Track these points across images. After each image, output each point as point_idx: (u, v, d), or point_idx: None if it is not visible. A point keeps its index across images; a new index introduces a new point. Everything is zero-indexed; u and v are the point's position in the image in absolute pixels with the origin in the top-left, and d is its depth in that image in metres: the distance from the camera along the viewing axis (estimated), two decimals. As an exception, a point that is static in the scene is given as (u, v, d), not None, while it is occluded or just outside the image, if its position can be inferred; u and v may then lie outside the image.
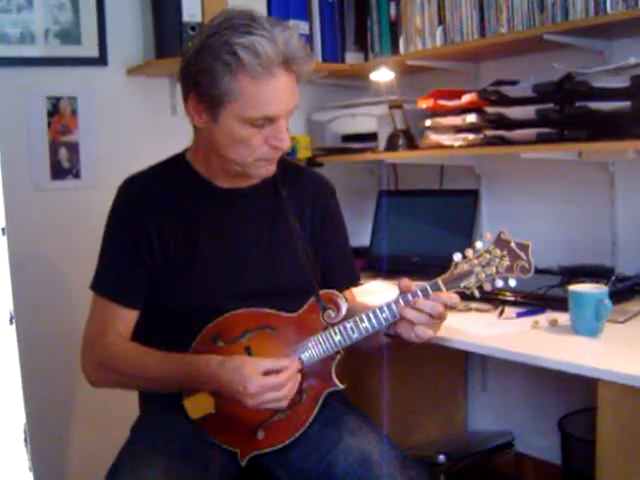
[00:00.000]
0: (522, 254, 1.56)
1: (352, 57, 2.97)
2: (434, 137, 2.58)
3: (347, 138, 3.02)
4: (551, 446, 2.55)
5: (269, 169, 1.62)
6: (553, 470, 2.58)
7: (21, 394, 0.60)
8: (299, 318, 1.60)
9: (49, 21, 2.63)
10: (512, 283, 1.56)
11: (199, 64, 1.50)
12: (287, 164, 1.74)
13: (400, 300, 1.55)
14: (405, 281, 1.57)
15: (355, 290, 1.88)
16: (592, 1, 2.08)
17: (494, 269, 1.56)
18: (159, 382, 1.57)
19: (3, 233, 0.58)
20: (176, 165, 1.72)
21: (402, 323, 1.57)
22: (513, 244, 1.57)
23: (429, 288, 1.55)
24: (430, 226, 2.70)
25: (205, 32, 1.51)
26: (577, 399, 2.40)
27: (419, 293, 1.55)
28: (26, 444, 0.60)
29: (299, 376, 1.52)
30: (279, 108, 1.52)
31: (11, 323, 0.59)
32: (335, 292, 1.61)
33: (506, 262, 1.56)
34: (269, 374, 1.45)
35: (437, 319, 1.55)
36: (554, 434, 2.47)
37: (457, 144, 2.48)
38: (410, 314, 1.53)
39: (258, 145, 1.55)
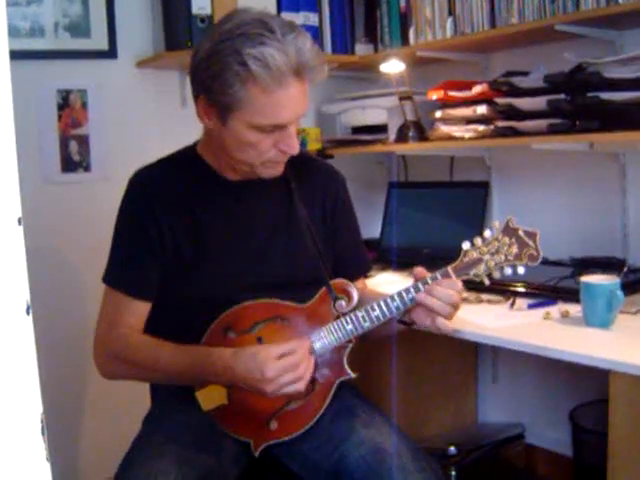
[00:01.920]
0: (530, 242, 1.57)
1: (362, 48, 2.97)
2: (444, 128, 2.58)
3: (357, 130, 3.02)
4: (562, 438, 2.55)
5: (277, 170, 1.62)
6: (564, 462, 2.58)
7: (38, 384, 0.60)
8: (310, 308, 1.60)
9: (58, 14, 2.64)
10: (521, 271, 1.57)
11: (209, 70, 1.48)
12: (298, 156, 1.73)
13: (412, 289, 1.55)
14: (420, 270, 1.57)
15: (366, 281, 1.88)
16: (603, -9, 2.07)
17: (503, 257, 1.56)
18: (172, 375, 1.57)
19: (19, 223, 0.58)
20: (187, 157, 1.72)
21: (417, 310, 1.57)
22: (521, 232, 1.57)
23: (439, 276, 1.55)
24: (440, 218, 2.70)
25: (216, 37, 1.48)
26: (588, 391, 2.39)
27: (429, 281, 1.55)
28: (43, 434, 0.60)
29: (312, 357, 1.52)
30: (288, 116, 1.52)
31: (28, 313, 0.59)
32: (346, 281, 1.61)
33: (514, 250, 1.56)
34: (282, 358, 1.46)
35: (453, 307, 1.55)
36: (565, 426, 2.47)
37: (467, 135, 2.48)
38: (430, 302, 1.53)
39: (266, 149, 1.55)
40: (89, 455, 2.75)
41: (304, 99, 1.54)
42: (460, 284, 1.56)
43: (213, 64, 1.47)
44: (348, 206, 1.84)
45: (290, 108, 1.51)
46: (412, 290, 1.55)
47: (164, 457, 1.45)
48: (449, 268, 1.57)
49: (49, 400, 0.84)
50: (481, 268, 1.56)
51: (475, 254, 1.57)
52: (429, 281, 1.55)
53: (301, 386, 1.48)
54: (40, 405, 0.60)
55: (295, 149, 1.56)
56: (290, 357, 1.46)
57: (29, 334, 0.59)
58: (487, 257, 1.56)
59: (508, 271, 1.57)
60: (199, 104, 1.56)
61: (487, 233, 1.58)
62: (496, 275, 1.57)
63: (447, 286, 1.54)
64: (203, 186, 1.68)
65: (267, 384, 1.43)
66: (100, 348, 1.66)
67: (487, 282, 1.58)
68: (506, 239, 1.57)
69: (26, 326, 0.59)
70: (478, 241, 1.57)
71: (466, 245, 1.58)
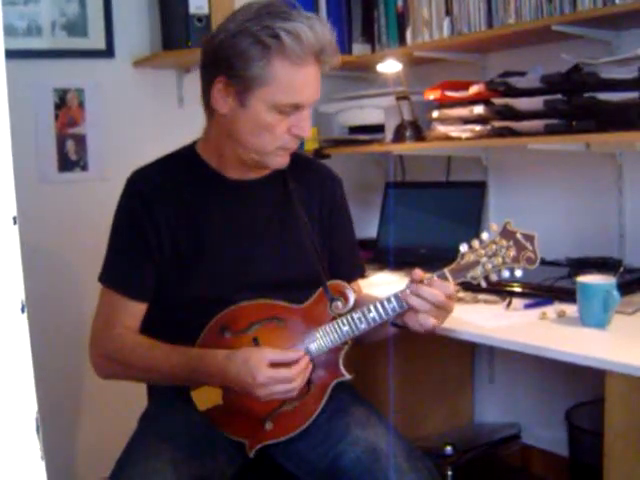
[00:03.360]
0: (528, 245, 1.56)
1: (359, 48, 2.96)
2: (441, 128, 2.58)
3: (354, 130, 3.02)
4: (558, 438, 2.55)
5: (285, 159, 1.63)
6: (560, 462, 2.58)
7: (33, 383, 0.60)
8: (307, 309, 1.60)
9: (56, 13, 2.64)
10: (518, 274, 1.56)
11: (235, 47, 1.50)
12: (295, 156, 1.73)
13: (407, 291, 1.55)
14: (417, 271, 1.57)
15: (361, 282, 1.88)
16: (600, -9, 2.07)
17: (500, 259, 1.55)
18: (166, 376, 1.57)
19: (14, 222, 0.58)
20: (185, 157, 1.71)
21: (408, 312, 1.56)
22: (519, 235, 1.56)
23: (436, 278, 1.55)
24: (437, 218, 2.70)
25: (241, 17, 1.51)
26: (584, 391, 2.40)
27: (424, 282, 1.55)
28: (38, 434, 0.60)
29: (309, 369, 1.53)
30: (308, 96, 1.54)
31: (23, 312, 0.59)
32: (343, 283, 1.61)
33: (512, 253, 1.55)
34: (276, 365, 1.46)
35: (441, 308, 1.55)
36: (561, 426, 2.47)
37: (464, 135, 2.48)
38: (413, 301, 1.53)
39: (281, 133, 1.56)
40: (85, 454, 2.75)
41: (319, 83, 1.57)
42: (453, 287, 1.56)
43: (240, 40, 1.49)
44: (344, 208, 1.84)
45: (310, 87, 1.54)
46: (408, 292, 1.55)
47: (160, 456, 1.45)
48: (446, 270, 1.56)
49: (45, 399, 0.84)
50: (478, 271, 1.56)
51: (472, 256, 1.56)
52: (424, 282, 1.55)
53: (292, 395, 1.50)
54: (35, 404, 0.60)
55: (307, 132, 1.59)
56: (286, 371, 1.46)
57: (24, 333, 0.59)
58: (484, 260, 1.56)
59: (505, 274, 1.56)
60: (215, 86, 1.55)
61: (485, 235, 1.57)
62: (493, 278, 1.57)
63: (435, 286, 1.53)
64: (201, 185, 1.68)
65: (258, 389, 1.44)
66: (95, 348, 1.66)
67: (484, 285, 1.58)
68: (504, 242, 1.56)
69: (21, 325, 0.59)
70: (475, 243, 1.57)
71: (463, 247, 1.57)
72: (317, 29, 1.49)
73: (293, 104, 1.53)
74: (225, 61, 1.52)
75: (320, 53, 1.52)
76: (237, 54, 1.50)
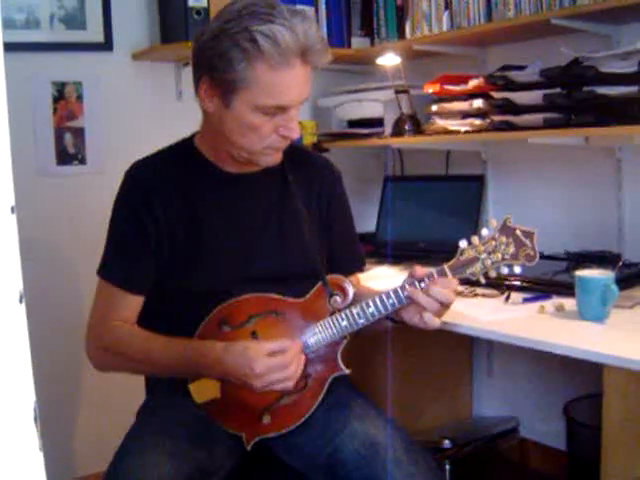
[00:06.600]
0: (527, 241, 1.56)
1: (358, 42, 2.96)
2: (440, 122, 2.58)
3: (353, 123, 3.02)
4: (556, 432, 2.55)
5: (275, 157, 1.62)
6: (558, 456, 2.59)
7: (31, 373, 0.60)
8: (306, 303, 1.60)
9: (54, 6, 2.63)
10: (517, 270, 1.56)
11: (216, 48, 1.48)
12: (294, 149, 1.73)
13: (407, 286, 1.55)
14: (417, 268, 1.57)
15: (360, 275, 1.88)
16: (600, -15, 2.06)
17: (499, 256, 1.55)
18: (163, 368, 1.57)
19: (12, 212, 0.58)
20: (184, 150, 1.71)
21: (407, 308, 1.56)
22: (518, 231, 1.56)
23: (436, 274, 1.55)
24: (436, 212, 2.70)
25: (224, 17, 1.49)
26: (583, 385, 2.40)
27: (426, 279, 1.54)
28: (36, 423, 0.60)
29: (302, 356, 1.53)
30: (292, 98, 1.51)
31: (21, 302, 0.59)
32: (342, 277, 1.61)
33: (511, 249, 1.55)
34: (273, 355, 1.46)
35: (446, 306, 1.55)
36: (559, 420, 2.48)
37: (463, 129, 2.48)
38: (423, 300, 1.52)
39: (268, 133, 1.54)
40: (82, 446, 2.76)
41: (307, 83, 1.54)
42: (456, 282, 1.56)
43: (220, 42, 1.47)
44: (343, 201, 1.83)
45: (294, 89, 1.51)
46: (408, 287, 1.55)
47: (157, 449, 1.45)
48: (446, 266, 1.56)
49: (43, 391, 0.84)
50: (478, 267, 1.55)
51: (472, 253, 1.56)
52: (425, 279, 1.55)
53: (290, 385, 1.49)
54: (33, 394, 0.60)
55: (296, 133, 1.56)
56: (280, 357, 1.46)
57: (22, 323, 0.59)
58: (484, 256, 1.55)
59: (504, 270, 1.56)
60: (201, 87, 1.55)
61: (484, 232, 1.57)
62: (492, 274, 1.57)
63: (444, 285, 1.53)
64: (200, 178, 1.67)
65: (256, 379, 1.44)
66: (92, 340, 1.66)
67: (483, 281, 1.57)
68: (503, 238, 1.56)
69: (19, 315, 0.59)
70: (475, 239, 1.56)
71: (463, 243, 1.57)
72: (298, 30, 1.45)
73: (277, 106, 1.51)
74: (208, 62, 1.51)
75: (304, 54, 1.48)
76: (217, 56, 1.48)
